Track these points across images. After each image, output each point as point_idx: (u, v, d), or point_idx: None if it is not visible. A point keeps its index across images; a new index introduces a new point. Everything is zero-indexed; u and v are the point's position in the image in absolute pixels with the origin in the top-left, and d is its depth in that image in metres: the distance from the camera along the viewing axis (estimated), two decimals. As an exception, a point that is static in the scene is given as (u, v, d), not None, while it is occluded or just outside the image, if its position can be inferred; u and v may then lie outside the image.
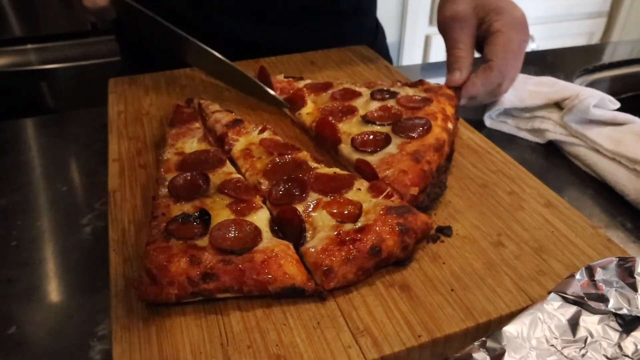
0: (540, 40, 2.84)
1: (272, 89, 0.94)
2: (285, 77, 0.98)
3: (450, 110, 0.83)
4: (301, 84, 0.95)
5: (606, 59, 1.36)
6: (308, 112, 0.87)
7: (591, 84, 1.28)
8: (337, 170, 0.70)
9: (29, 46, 2.01)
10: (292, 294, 0.55)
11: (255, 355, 0.50)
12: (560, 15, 2.89)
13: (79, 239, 0.75)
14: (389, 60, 1.42)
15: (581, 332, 0.46)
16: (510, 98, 0.99)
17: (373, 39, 1.35)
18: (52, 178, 0.88)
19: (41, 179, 0.88)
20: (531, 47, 2.82)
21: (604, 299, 0.48)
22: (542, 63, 1.31)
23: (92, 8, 0.87)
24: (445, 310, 0.54)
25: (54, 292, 0.67)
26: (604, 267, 0.51)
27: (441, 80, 0.93)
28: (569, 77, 1.21)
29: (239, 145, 0.77)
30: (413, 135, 0.75)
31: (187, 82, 1.02)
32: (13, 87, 2.03)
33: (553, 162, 0.93)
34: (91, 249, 0.73)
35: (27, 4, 1.93)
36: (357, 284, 0.57)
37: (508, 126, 1.01)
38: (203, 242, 0.57)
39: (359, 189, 0.66)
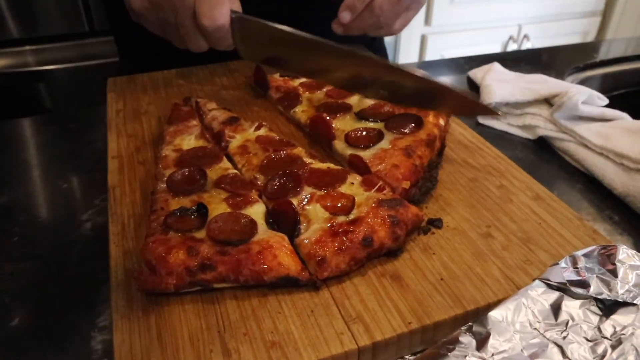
0: (535, 39, 2.87)
1: (269, 87, 0.96)
2: (280, 75, 0.99)
3: (442, 107, 0.85)
4: (296, 82, 0.97)
5: (599, 57, 1.38)
6: (303, 109, 0.89)
7: (583, 82, 1.30)
8: (331, 165, 0.72)
9: (27, 47, 2.03)
10: (286, 284, 0.57)
11: (252, 342, 0.52)
12: (554, 15, 2.92)
13: (80, 234, 0.76)
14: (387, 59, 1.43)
15: (563, 316, 0.48)
16: (501, 93, 1.01)
17: (371, 39, 1.37)
18: (53, 175, 0.89)
19: (42, 176, 0.90)
20: (526, 45, 2.85)
21: (585, 285, 0.50)
22: (536, 61, 1.33)
23: (210, 27, 0.78)
24: (435, 299, 0.56)
25: (55, 285, 0.69)
26: (586, 256, 0.53)
27: (437, 79, 0.95)
28: (561, 75, 1.24)
29: (235, 141, 0.79)
30: (405, 131, 0.77)
31: (184, 81, 1.04)
32: (10, 89, 2.05)
33: (543, 157, 0.95)
34: (91, 244, 0.75)
35: (25, 6, 1.94)
36: (349, 274, 0.59)
37: (500, 123, 1.03)
38: (200, 234, 0.59)
39: (352, 183, 0.68)
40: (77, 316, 0.64)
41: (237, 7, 0.81)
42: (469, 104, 0.78)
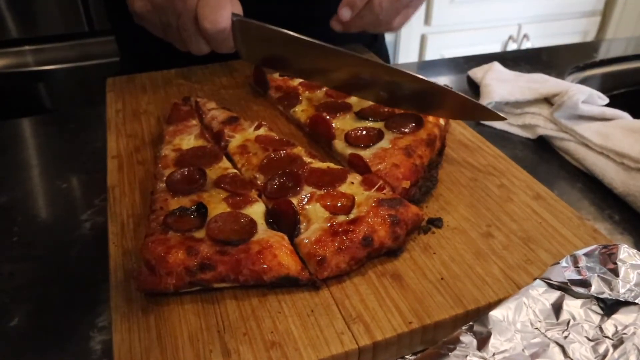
0: (535, 38, 2.87)
1: (268, 87, 0.96)
2: (280, 75, 0.99)
3: (442, 107, 0.85)
4: (296, 81, 0.96)
5: (599, 56, 1.38)
6: (303, 109, 0.89)
7: (583, 81, 1.30)
8: (331, 164, 0.72)
9: (26, 47, 2.03)
10: (286, 284, 0.57)
11: (251, 342, 0.52)
12: (554, 14, 2.92)
13: (79, 234, 0.76)
14: (387, 60, 1.43)
15: (564, 316, 0.48)
16: (501, 92, 1.01)
17: (373, 39, 1.37)
18: (52, 175, 0.89)
19: (41, 176, 0.90)
20: (526, 45, 2.85)
21: (586, 284, 0.49)
22: (536, 61, 1.33)
23: (211, 30, 0.78)
24: (435, 298, 0.56)
25: (55, 285, 0.69)
26: (588, 255, 0.53)
27: (436, 79, 0.95)
28: (561, 75, 1.23)
29: (235, 141, 0.79)
30: (405, 130, 0.77)
31: (183, 81, 1.04)
32: (10, 89, 2.05)
33: (543, 156, 0.95)
34: (91, 244, 0.75)
35: (25, 6, 1.94)
36: (350, 274, 0.59)
37: (500, 122, 1.03)
38: (200, 234, 0.59)
39: (352, 183, 0.68)
40: (76, 316, 0.64)
41: (239, 10, 0.81)
42: (471, 107, 0.78)
